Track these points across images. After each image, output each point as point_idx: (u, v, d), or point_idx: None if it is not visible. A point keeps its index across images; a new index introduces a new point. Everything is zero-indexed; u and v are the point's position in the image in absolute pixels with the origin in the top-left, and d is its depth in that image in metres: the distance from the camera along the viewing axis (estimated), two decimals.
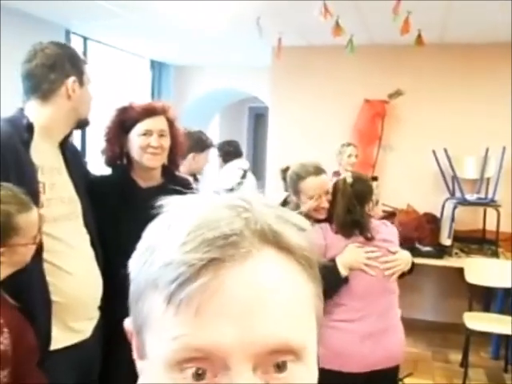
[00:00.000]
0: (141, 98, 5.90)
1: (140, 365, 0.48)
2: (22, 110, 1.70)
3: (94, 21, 4.75)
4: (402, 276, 2.51)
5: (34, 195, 1.54)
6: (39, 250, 1.55)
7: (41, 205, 1.59)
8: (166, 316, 0.42)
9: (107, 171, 2.06)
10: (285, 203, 2.51)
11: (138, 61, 6.22)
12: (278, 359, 0.42)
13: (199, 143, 3.41)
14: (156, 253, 0.44)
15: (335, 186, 2.46)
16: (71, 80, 1.71)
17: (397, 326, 2.47)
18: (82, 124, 1.83)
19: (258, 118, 8.42)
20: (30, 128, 1.63)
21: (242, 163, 4.97)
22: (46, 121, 1.70)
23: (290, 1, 3.97)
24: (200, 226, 0.43)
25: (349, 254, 2.32)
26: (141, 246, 0.48)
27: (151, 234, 0.47)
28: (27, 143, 1.61)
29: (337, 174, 3.95)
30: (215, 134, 7.26)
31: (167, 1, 4.05)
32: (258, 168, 8.34)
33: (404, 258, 2.44)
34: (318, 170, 2.42)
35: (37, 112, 1.69)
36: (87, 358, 1.78)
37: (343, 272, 2.28)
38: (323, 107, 5.37)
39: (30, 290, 1.56)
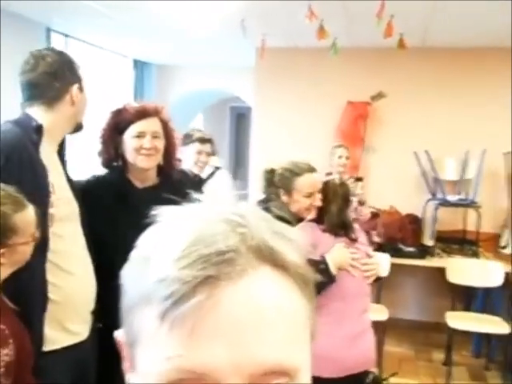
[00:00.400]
0: (123, 98, 5.85)
1: (129, 377, 0.47)
2: (26, 113, 1.74)
3: (75, 19, 4.69)
4: (376, 280, 2.55)
5: (46, 195, 1.61)
6: (44, 249, 1.57)
7: (51, 204, 1.64)
8: (160, 333, 0.42)
9: (99, 172, 2.07)
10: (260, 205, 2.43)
11: (121, 60, 6.16)
12: (271, 381, 0.42)
13: (185, 138, 3.41)
14: (150, 266, 0.43)
15: (326, 186, 2.48)
16: (75, 87, 1.78)
17: (370, 329, 2.49)
18: (78, 128, 1.88)
19: (240, 118, 8.42)
20: (39, 130, 1.68)
21: (215, 161, 4.96)
22: (49, 125, 1.74)
23: (274, 1, 3.98)
24: (195, 242, 0.42)
25: (337, 253, 2.33)
26: (134, 256, 0.47)
27: (145, 245, 0.46)
28: (36, 144, 1.65)
29: (329, 174, 3.98)
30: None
31: (151, 0, 4.02)
32: (240, 168, 8.34)
33: (379, 263, 2.52)
34: (312, 168, 2.42)
35: (40, 117, 1.73)
36: (83, 360, 1.78)
37: (333, 271, 2.29)
38: (307, 108, 5.40)
39: (31, 289, 1.57)
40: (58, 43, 5.02)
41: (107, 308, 1.67)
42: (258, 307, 0.42)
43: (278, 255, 0.44)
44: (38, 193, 1.57)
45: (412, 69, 5.11)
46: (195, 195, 0.48)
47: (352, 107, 5.24)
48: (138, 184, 1.99)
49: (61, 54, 1.82)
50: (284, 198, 2.37)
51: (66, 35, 5.16)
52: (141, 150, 1.92)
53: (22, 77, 1.74)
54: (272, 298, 0.43)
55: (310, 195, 2.35)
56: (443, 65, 5.03)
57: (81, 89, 1.82)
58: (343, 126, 5.24)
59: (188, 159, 3.36)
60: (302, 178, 2.34)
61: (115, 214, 1.91)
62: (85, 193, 1.90)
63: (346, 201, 2.46)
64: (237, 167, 8.36)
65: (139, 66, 6.47)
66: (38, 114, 1.74)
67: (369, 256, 2.48)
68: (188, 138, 3.41)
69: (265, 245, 0.43)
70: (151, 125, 1.94)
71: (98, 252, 1.85)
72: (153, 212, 0.47)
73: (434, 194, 4.88)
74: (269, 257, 0.43)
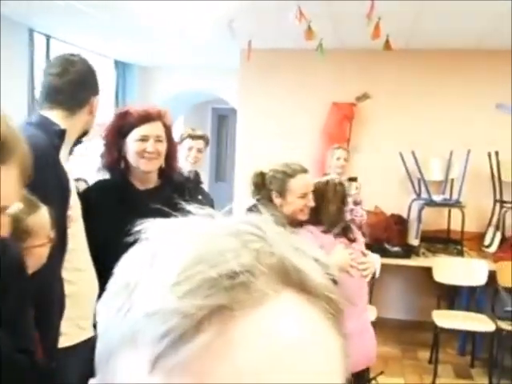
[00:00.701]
0: (104, 99, 5.79)
1: None
2: (46, 117, 1.77)
3: (58, 19, 4.62)
4: (371, 278, 2.62)
5: (66, 198, 1.68)
6: (63, 249, 1.64)
7: (70, 207, 1.72)
8: None
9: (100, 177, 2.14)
10: (251, 210, 2.39)
11: (103, 61, 6.08)
12: None
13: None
14: (136, 296, 0.33)
15: (326, 185, 2.49)
16: (96, 99, 1.87)
17: (370, 328, 2.55)
18: (86, 133, 1.94)
19: (222, 120, 8.41)
20: (62, 134, 1.73)
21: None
22: (67, 130, 1.80)
23: (261, 1, 3.98)
24: (197, 260, 0.32)
25: (339, 256, 2.36)
26: (113, 285, 0.37)
27: (129, 269, 0.36)
28: (57, 148, 1.70)
29: (326, 175, 4.01)
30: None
31: (134, 0, 3.98)
32: (221, 170, 8.33)
33: (373, 261, 2.57)
34: (304, 168, 2.41)
35: (60, 122, 1.78)
36: (92, 358, 1.79)
37: (336, 274, 2.31)
38: (292, 110, 5.41)
39: (51, 289, 1.62)
40: (40, 44, 4.95)
41: None
42: (285, 347, 0.32)
43: (305, 276, 0.35)
44: (61, 196, 1.64)
45: (397, 70, 5.17)
46: (193, 206, 0.39)
47: (337, 108, 5.27)
48: (140, 186, 2.04)
49: (87, 63, 1.88)
50: (277, 200, 2.34)
51: (49, 36, 5.07)
52: (144, 153, 1.96)
53: (47, 79, 1.79)
54: (302, 335, 0.34)
55: (303, 196, 2.34)
56: (428, 66, 5.10)
57: (99, 99, 1.91)
58: (329, 126, 5.27)
59: (180, 156, 3.38)
60: (295, 179, 2.33)
61: (117, 215, 1.91)
62: (87, 194, 1.98)
63: (344, 200, 2.50)
64: (219, 168, 8.34)
65: (120, 66, 6.40)
66: (58, 118, 1.78)
67: (364, 254, 2.51)
68: (180, 136, 3.44)
69: (289, 264, 0.34)
70: (154, 129, 1.98)
71: (100, 254, 1.86)
72: (139, 227, 0.37)
73: (418, 194, 4.94)
74: (294, 279, 0.34)
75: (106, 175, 2.47)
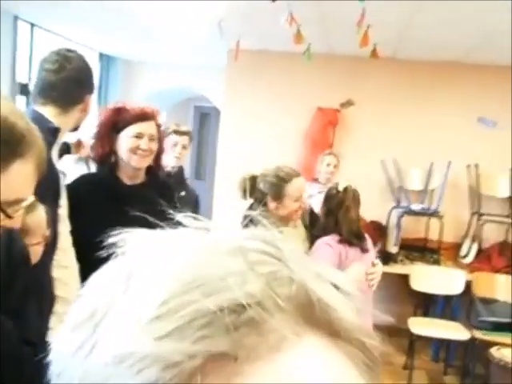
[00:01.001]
0: None
1: None
2: (39, 113, 1.73)
3: (43, 7, 4.52)
4: None
5: (57, 196, 1.65)
6: (54, 247, 1.63)
7: (60, 205, 1.70)
8: None
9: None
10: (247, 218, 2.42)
11: (87, 53, 5.98)
12: None
13: None
14: (102, 330, 0.25)
15: (344, 193, 2.47)
16: (90, 97, 1.84)
17: None
18: (75, 130, 1.93)
19: (204, 118, 8.35)
20: (56, 132, 1.70)
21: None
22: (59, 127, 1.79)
23: (251, 1, 3.97)
24: (188, 286, 0.24)
25: (355, 272, 2.32)
26: (76, 312, 0.27)
27: (96, 293, 0.27)
28: (50, 146, 1.65)
29: (315, 180, 4.00)
30: None
31: None
32: (201, 168, 8.28)
33: (380, 270, 2.52)
34: (297, 172, 2.43)
35: (52, 118, 1.75)
36: None
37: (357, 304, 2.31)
38: (276, 112, 5.42)
39: (43, 287, 1.61)
40: (24, 32, 4.84)
41: None
42: None
43: (334, 314, 0.27)
44: (53, 194, 1.62)
45: (383, 79, 5.23)
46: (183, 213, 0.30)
47: (322, 113, 5.30)
48: (127, 181, 2.07)
49: (84, 60, 1.85)
50: (272, 204, 2.34)
51: (33, 24, 4.97)
52: (137, 150, 2.00)
53: (43, 74, 1.75)
54: None
55: (298, 199, 2.35)
56: (413, 77, 5.18)
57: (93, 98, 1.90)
58: (312, 131, 5.30)
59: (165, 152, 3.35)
60: (291, 184, 2.33)
61: (104, 210, 1.96)
62: (75, 189, 1.97)
63: (359, 207, 2.46)
64: (199, 166, 8.29)
65: (105, 59, 6.31)
66: (51, 115, 1.74)
67: (373, 265, 2.49)
68: (165, 131, 3.40)
69: (312, 295, 0.26)
70: (149, 128, 2.03)
71: (86, 250, 1.84)
72: (115, 237, 0.29)
73: (398, 202, 5.01)
74: (321, 317, 0.26)
75: (84, 167, 2.50)
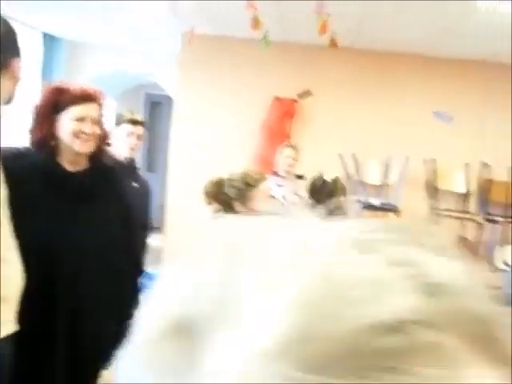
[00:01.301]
0: (29, 73, 5.30)
1: None
2: None
3: None
4: None
5: None
6: None
7: None
8: None
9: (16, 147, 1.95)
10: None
11: (29, 32, 5.57)
12: None
13: (115, 119, 3.13)
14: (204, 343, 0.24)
15: (334, 182, 2.90)
16: (18, 61, 1.59)
17: None
18: (8, 102, 1.64)
19: (155, 106, 8.03)
20: None
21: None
22: None
23: None
24: (316, 301, 0.21)
25: None
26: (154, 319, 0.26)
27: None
28: None
29: (275, 174, 3.92)
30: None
31: None
32: (152, 159, 7.97)
33: None
34: (264, 176, 2.61)
35: None
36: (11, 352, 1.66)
37: None
38: (232, 101, 5.21)
39: None
40: None
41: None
42: None
43: (494, 335, 0.22)
44: None
45: (341, 69, 5.11)
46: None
47: (279, 103, 5.13)
48: (69, 167, 1.93)
49: (6, 22, 1.60)
50: (239, 208, 2.50)
51: None
52: (80, 133, 1.88)
53: None
54: None
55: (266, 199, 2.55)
56: (372, 68, 5.08)
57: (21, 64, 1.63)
58: (270, 121, 5.13)
59: (118, 142, 3.07)
60: (258, 189, 2.50)
61: (40, 201, 1.81)
62: (5, 176, 1.69)
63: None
64: (150, 158, 7.97)
65: (49, 40, 5.91)
66: None
67: None
68: (118, 119, 3.13)
69: (474, 312, 0.22)
70: (92, 110, 1.92)
71: (26, 242, 1.63)
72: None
73: (357, 197, 4.91)
74: (494, 348, 0.22)
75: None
